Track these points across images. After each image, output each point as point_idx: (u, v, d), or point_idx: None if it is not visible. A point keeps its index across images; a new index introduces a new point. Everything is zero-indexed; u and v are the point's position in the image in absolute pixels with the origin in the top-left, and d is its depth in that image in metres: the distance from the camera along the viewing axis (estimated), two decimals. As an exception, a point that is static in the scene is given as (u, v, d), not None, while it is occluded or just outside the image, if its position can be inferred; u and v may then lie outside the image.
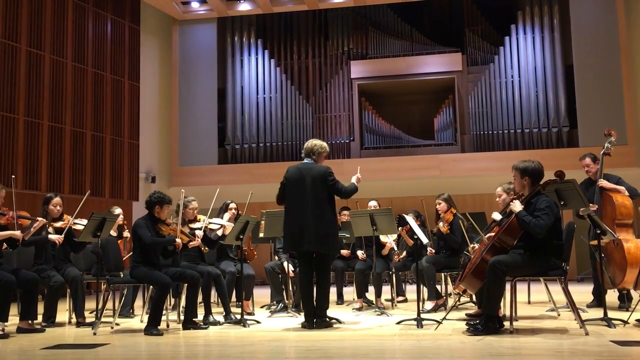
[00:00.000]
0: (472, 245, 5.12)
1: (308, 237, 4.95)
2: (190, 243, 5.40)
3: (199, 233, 5.58)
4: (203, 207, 6.06)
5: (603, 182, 5.61)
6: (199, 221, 5.85)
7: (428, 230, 6.63)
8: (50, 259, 5.54)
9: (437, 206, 6.28)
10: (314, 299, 5.03)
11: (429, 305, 5.95)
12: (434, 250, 6.29)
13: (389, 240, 6.63)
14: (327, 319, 5.05)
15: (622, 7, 11.28)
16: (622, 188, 5.58)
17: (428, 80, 12.20)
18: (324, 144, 5.27)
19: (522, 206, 4.42)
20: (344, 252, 7.04)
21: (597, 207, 5.55)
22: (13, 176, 5.23)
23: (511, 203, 4.50)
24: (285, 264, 6.31)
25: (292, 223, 5.03)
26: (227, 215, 6.17)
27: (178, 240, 5.17)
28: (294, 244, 5.06)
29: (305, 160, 5.20)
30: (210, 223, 5.82)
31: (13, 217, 5.03)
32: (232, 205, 6.42)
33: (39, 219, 5.26)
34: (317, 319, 4.98)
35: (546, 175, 4.66)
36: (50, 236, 5.46)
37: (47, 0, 9.91)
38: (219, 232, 5.93)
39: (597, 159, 5.91)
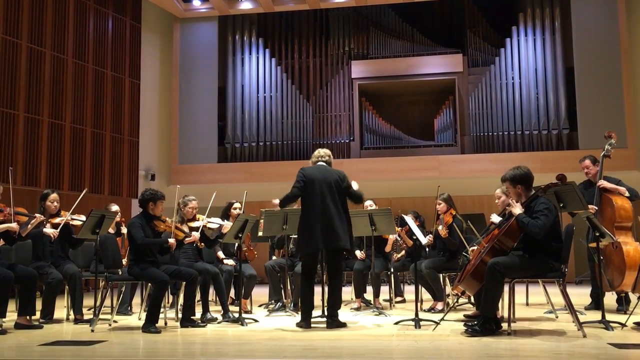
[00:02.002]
0: (471, 249, 5.11)
1: (336, 235, 4.91)
2: (186, 239, 5.39)
3: (196, 234, 5.57)
4: (203, 205, 6.05)
5: (604, 183, 5.60)
6: (197, 220, 5.85)
7: (427, 231, 6.62)
8: (48, 256, 5.53)
9: (437, 206, 6.26)
10: (327, 299, 5.02)
11: (439, 305, 5.99)
12: (432, 237, 6.20)
13: (391, 235, 6.60)
14: (338, 319, 4.99)
15: (624, 10, 11.28)
16: (622, 189, 5.59)
17: (428, 81, 12.20)
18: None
19: (522, 209, 4.42)
20: None
21: (596, 209, 5.55)
22: (11, 168, 5.21)
23: (511, 205, 4.50)
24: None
25: (318, 221, 4.93)
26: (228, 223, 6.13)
27: (171, 240, 5.17)
28: (319, 242, 4.93)
29: (321, 163, 5.20)
30: (208, 222, 5.82)
31: (10, 214, 5.02)
32: (236, 205, 6.40)
33: (37, 215, 5.26)
34: (328, 318, 4.95)
35: (548, 178, 4.66)
36: (45, 230, 5.45)
37: (49, -4, 9.93)
38: (217, 231, 5.94)
39: (596, 161, 5.91)
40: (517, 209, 4.40)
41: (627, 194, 5.55)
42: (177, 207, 5.88)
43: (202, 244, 5.71)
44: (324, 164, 5.21)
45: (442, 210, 6.20)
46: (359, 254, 6.64)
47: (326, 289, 5.14)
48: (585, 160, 5.96)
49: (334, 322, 4.93)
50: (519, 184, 4.53)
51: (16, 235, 5.06)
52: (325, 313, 5.12)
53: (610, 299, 5.71)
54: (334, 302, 4.97)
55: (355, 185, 5.26)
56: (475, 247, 4.91)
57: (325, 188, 5.00)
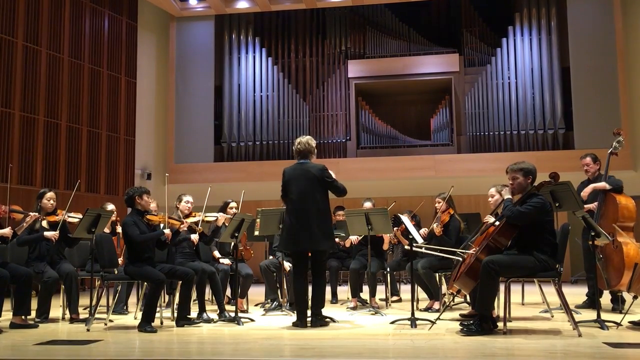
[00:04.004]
0: (468, 253, 5.10)
1: (314, 237, 4.98)
2: (181, 227, 5.42)
3: (190, 222, 5.62)
4: (199, 204, 6.05)
5: (594, 186, 5.60)
6: (194, 216, 5.87)
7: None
8: (44, 255, 5.52)
9: (436, 205, 6.26)
10: (310, 298, 5.04)
11: (435, 305, 6.00)
12: (427, 230, 6.19)
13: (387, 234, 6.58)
14: (322, 318, 5.05)
15: (619, 10, 11.31)
16: (600, 185, 5.60)
17: (425, 81, 12.21)
18: (313, 140, 5.30)
19: (511, 196, 4.55)
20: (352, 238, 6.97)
21: (595, 205, 5.57)
22: (10, 165, 5.24)
23: (503, 191, 4.62)
24: (281, 260, 6.30)
25: (297, 223, 5.00)
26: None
27: (167, 231, 5.18)
28: (298, 243, 5.02)
29: (301, 161, 5.21)
30: (206, 216, 5.85)
31: (5, 212, 5.03)
32: (233, 204, 6.42)
33: (32, 213, 5.25)
34: (312, 317, 4.98)
35: (543, 178, 4.68)
36: (45, 233, 5.45)
37: (44, -5, 9.90)
38: (213, 226, 5.99)
39: (597, 159, 5.94)
40: (508, 194, 4.54)
41: (607, 187, 5.55)
42: (175, 209, 5.90)
43: (200, 227, 5.73)
44: (304, 160, 5.19)
45: (441, 209, 6.20)
46: (353, 238, 6.64)
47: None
48: (586, 158, 5.98)
49: (317, 320, 4.97)
50: (530, 176, 4.56)
51: (9, 239, 5.07)
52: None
53: (605, 298, 5.72)
54: (318, 301, 5.02)
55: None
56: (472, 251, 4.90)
57: (303, 188, 5.04)
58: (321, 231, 5.02)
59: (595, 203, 5.65)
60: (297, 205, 5.04)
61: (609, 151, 5.75)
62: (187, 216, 5.84)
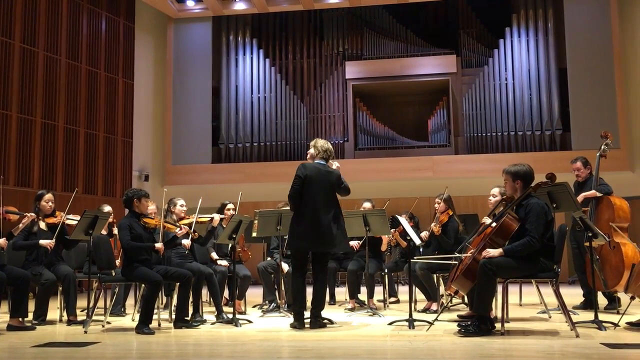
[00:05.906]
0: (465, 256, 5.09)
1: (333, 239, 4.97)
2: (178, 232, 5.40)
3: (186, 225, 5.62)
4: (195, 206, 6.03)
5: (586, 195, 5.64)
6: (188, 219, 5.86)
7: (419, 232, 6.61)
8: (42, 257, 5.51)
9: (436, 205, 6.25)
10: (310, 299, 5.04)
11: (433, 306, 6.00)
12: (428, 234, 6.19)
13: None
14: (322, 319, 5.05)
15: (616, 11, 11.35)
16: (590, 193, 5.63)
17: (422, 82, 12.23)
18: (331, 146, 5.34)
19: (500, 249, 4.37)
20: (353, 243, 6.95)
21: (587, 209, 5.60)
22: (2, 177, 5.24)
23: (487, 251, 4.40)
24: (279, 261, 6.30)
25: (314, 224, 4.97)
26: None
27: (158, 245, 5.14)
28: (312, 244, 5.01)
29: (321, 162, 5.19)
30: (200, 217, 5.84)
31: (1, 213, 5.02)
32: (230, 206, 6.42)
33: (28, 214, 5.24)
34: (312, 318, 4.97)
35: (538, 178, 4.68)
36: (41, 241, 5.42)
37: (42, -4, 9.89)
38: (208, 225, 5.98)
39: (588, 164, 5.96)
40: (495, 252, 4.36)
41: (598, 194, 5.59)
42: (167, 208, 5.87)
43: (196, 233, 5.72)
44: (323, 162, 5.20)
45: (440, 209, 6.21)
46: (354, 243, 6.61)
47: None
48: (577, 163, 6.00)
49: (317, 322, 4.97)
50: (519, 180, 4.55)
51: (6, 236, 5.08)
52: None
53: (599, 297, 5.73)
54: (317, 302, 5.02)
55: (334, 165, 5.24)
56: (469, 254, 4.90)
57: (322, 190, 5.03)
58: (339, 234, 5.02)
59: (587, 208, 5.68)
60: (318, 206, 4.98)
61: (598, 154, 5.78)
62: (180, 219, 5.83)
